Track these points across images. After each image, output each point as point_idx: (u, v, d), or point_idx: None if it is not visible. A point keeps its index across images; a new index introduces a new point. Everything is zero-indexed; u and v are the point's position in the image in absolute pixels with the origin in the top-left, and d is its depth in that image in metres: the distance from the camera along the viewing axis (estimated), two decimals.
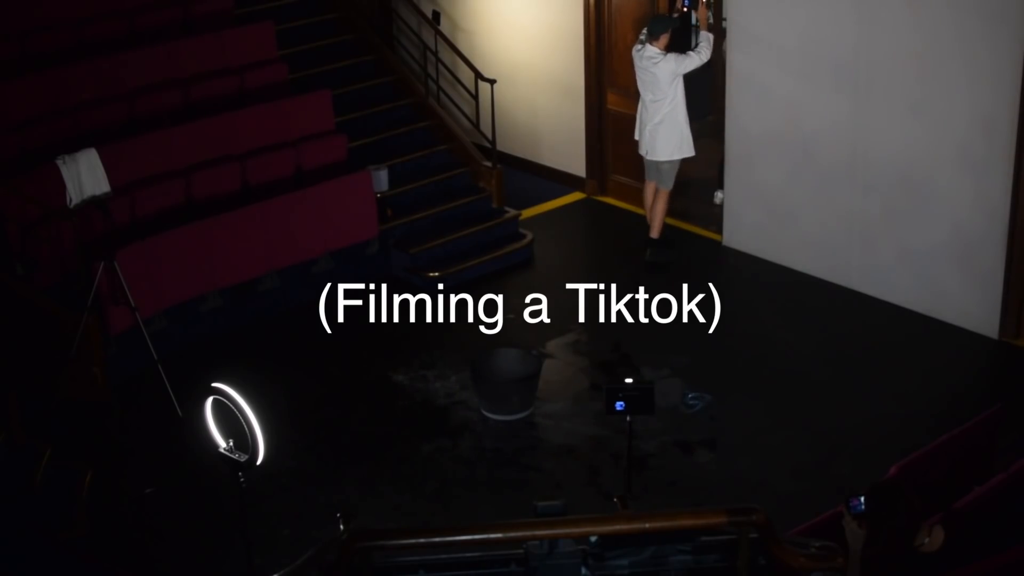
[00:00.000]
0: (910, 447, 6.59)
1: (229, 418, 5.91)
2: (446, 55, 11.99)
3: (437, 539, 4.12)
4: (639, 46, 10.04)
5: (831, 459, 7.82)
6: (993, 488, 5.79)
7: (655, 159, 10.23)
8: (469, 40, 12.49)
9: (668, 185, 10.33)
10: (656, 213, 10.40)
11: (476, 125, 11.61)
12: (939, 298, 9.29)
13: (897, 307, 9.53)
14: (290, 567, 6.08)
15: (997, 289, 8.99)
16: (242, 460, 5.82)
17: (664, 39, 9.90)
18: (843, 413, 8.31)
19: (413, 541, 4.10)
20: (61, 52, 10.06)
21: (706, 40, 9.97)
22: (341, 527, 4.71)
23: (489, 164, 11.26)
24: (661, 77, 9.89)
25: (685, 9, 10.06)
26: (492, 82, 11.20)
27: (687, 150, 10.16)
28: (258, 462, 5.91)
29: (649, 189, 10.50)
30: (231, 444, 5.86)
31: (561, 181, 12.19)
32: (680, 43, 10.03)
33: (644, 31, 10.11)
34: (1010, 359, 8.93)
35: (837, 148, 9.68)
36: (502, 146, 11.86)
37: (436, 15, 12.71)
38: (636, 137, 10.44)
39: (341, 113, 10.88)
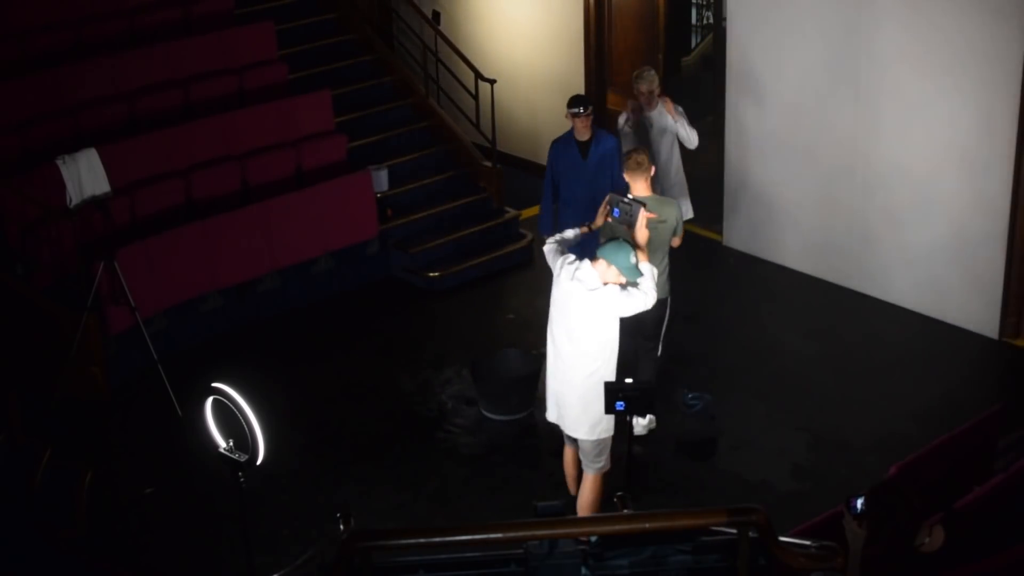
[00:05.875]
0: (910, 447, 6.59)
1: (229, 418, 5.90)
2: (446, 55, 11.99)
3: (437, 539, 4.12)
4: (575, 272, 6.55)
5: (831, 459, 7.81)
6: (993, 488, 5.79)
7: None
8: (469, 40, 12.49)
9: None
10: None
11: (476, 125, 11.60)
12: (939, 298, 9.29)
13: (897, 307, 9.52)
14: (290, 567, 6.08)
15: (997, 289, 8.99)
16: (242, 460, 5.82)
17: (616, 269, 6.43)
18: (843, 413, 8.31)
19: (413, 541, 4.10)
20: (61, 52, 10.07)
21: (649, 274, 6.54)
22: (341, 527, 4.71)
23: (489, 164, 11.26)
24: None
25: (611, 220, 6.87)
26: (492, 82, 11.19)
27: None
28: (258, 462, 5.91)
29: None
30: (231, 444, 5.85)
31: None
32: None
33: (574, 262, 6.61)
34: (1010, 359, 8.93)
35: (837, 148, 9.67)
36: (502, 146, 11.86)
37: (436, 15, 12.71)
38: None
39: (341, 113, 10.89)
